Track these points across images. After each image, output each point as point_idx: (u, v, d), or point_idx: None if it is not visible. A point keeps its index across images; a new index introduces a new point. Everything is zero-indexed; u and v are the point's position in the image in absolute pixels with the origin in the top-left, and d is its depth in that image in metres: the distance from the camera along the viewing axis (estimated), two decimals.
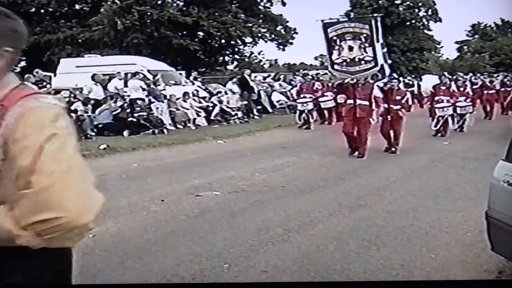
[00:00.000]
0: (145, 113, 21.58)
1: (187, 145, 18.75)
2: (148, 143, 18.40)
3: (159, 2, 42.94)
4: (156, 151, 17.38)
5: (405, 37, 61.53)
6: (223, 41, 46.73)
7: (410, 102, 17.74)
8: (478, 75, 39.79)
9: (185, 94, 25.05)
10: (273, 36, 49.30)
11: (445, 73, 31.64)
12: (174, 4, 44.47)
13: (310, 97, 24.48)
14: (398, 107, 16.71)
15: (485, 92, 31.53)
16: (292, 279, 6.47)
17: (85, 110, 20.78)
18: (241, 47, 49.96)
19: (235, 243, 7.82)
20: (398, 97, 16.81)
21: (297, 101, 25.29)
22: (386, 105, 16.57)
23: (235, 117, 25.94)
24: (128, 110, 21.39)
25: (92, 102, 21.83)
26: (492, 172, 6.09)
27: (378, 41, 16.47)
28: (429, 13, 62.53)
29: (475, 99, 32.26)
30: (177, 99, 24.63)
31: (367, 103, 15.82)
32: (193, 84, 29.77)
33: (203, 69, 47.07)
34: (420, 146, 17.55)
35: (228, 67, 52.07)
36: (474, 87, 32.31)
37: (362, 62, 16.26)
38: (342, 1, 69.60)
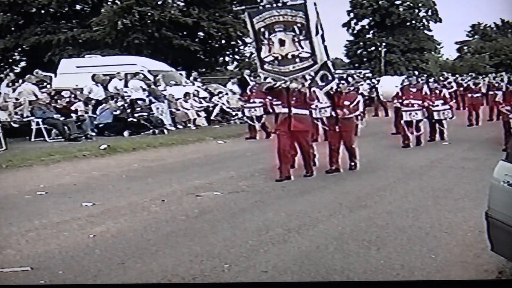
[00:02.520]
0: (145, 114, 21.65)
1: (187, 145, 18.81)
2: (148, 143, 18.45)
3: (160, 2, 42.95)
4: (156, 151, 17.42)
5: (405, 38, 61.69)
6: (223, 41, 46.75)
7: (361, 108, 14.61)
8: (465, 76, 37.70)
9: (186, 94, 25.11)
10: None
11: (415, 72, 28.75)
12: (175, 5, 44.47)
13: (261, 102, 20.92)
14: (348, 114, 13.75)
15: (469, 95, 28.28)
16: (292, 279, 6.48)
17: (85, 110, 20.81)
18: (242, 47, 49.97)
19: (235, 243, 7.83)
20: (347, 102, 13.75)
21: (245, 106, 21.77)
22: (333, 113, 13.63)
23: (235, 117, 25.97)
24: (129, 111, 21.46)
25: (92, 102, 21.86)
26: (492, 173, 6.10)
27: (317, 33, 12.89)
28: (429, 13, 62.67)
29: (458, 103, 31.43)
30: (178, 99, 24.67)
31: (305, 112, 12.90)
32: (194, 84, 29.81)
33: (204, 70, 47.06)
34: (420, 147, 17.53)
35: (228, 67, 52.08)
36: (450, 90, 29.34)
37: (297, 59, 12.72)
38: (342, 2, 69.54)
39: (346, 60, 67.88)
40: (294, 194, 11.12)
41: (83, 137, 19.34)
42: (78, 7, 47.45)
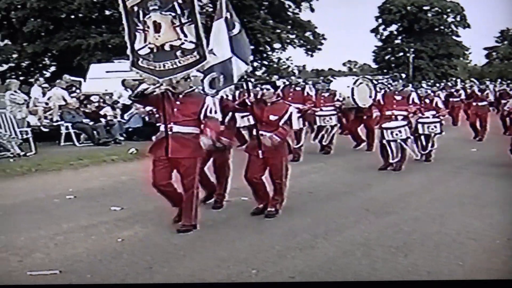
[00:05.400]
0: None
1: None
2: None
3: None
4: None
5: (433, 43, 61.43)
6: (251, 47, 46.87)
7: (295, 124, 10.20)
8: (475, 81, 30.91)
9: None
10: (301, 42, 49.30)
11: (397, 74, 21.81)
12: (203, 10, 44.63)
13: None
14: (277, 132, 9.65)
15: (474, 104, 23.16)
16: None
17: (114, 115, 20.92)
18: (270, 53, 50.05)
19: (262, 248, 7.85)
20: (273, 117, 9.72)
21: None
22: (254, 132, 10.09)
23: None
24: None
25: (119, 106, 21.97)
26: None
27: (221, 16, 9.52)
28: (458, 19, 62.37)
29: (455, 113, 27.87)
30: None
31: (192, 130, 8.77)
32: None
33: None
34: (446, 153, 17.40)
35: (256, 72, 52.17)
36: (456, 99, 27.60)
37: (178, 52, 8.57)
38: (370, 8, 69.48)
39: (374, 66, 67.79)
40: (320, 199, 11.11)
41: (112, 142, 19.43)
42: (107, 12, 47.70)
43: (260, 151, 9.62)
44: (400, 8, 61.17)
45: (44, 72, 47.61)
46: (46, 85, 23.26)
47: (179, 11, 8.48)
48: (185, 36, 8.55)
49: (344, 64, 78.54)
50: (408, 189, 12.09)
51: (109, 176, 13.86)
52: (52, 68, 48.54)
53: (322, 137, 17.67)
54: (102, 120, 19.91)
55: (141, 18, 8.65)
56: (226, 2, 9.53)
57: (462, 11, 61.74)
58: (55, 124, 19.71)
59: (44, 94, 21.43)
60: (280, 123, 9.65)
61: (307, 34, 49.72)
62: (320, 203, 10.76)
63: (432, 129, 16.02)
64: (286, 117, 9.69)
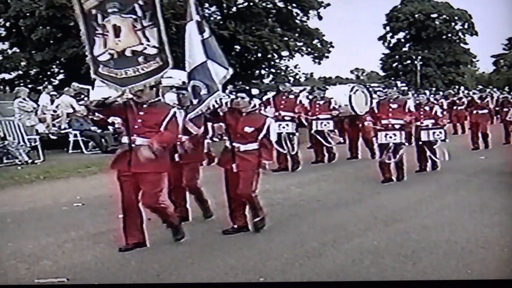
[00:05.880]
0: None
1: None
2: None
3: None
4: None
5: (441, 51, 61.32)
6: (259, 54, 46.82)
7: (274, 138, 9.47)
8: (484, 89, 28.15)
9: None
10: (309, 50, 49.24)
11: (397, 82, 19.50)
12: (211, 18, 44.65)
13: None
14: (251, 146, 9.00)
15: (474, 112, 22.02)
16: None
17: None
18: (277, 60, 50.03)
19: (270, 256, 7.84)
20: (248, 129, 8.98)
21: None
22: (228, 143, 9.19)
23: None
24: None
25: None
26: None
27: (191, 19, 9.01)
28: (466, 26, 62.24)
29: (455, 121, 26.57)
30: None
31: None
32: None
33: (239, 82, 47.20)
34: (456, 161, 17.31)
35: (264, 80, 52.16)
36: (461, 107, 26.02)
37: (140, 58, 7.98)
38: (378, 16, 69.43)
39: (382, 74, 67.77)
40: (329, 207, 11.09)
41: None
42: None
43: (234, 165, 8.96)
44: (407, 16, 61.12)
45: (53, 80, 47.61)
46: (54, 92, 23.25)
47: (140, 14, 7.89)
48: (147, 40, 7.98)
49: (351, 72, 78.52)
50: (417, 197, 12.05)
51: (117, 183, 13.83)
52: (61, 76, 48.50)
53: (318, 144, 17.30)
54: (110, 127, 19.92)
55: (99, 22, 7.98)
56: (195, 3, 8.98)
57: (470, 18, 61.65)
58: (63, 131, 19.76)
59: (52, 101, 21.47)
60: (259, 137, 8.96)
61: (315, 41, 49.62)
62: (328, 211, 10.74)
63: (437, 135, 15.01)
64: (264, 130, 8.96)
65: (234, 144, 8.99)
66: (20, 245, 8.36)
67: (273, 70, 51.22)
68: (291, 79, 52.61)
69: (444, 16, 61.92)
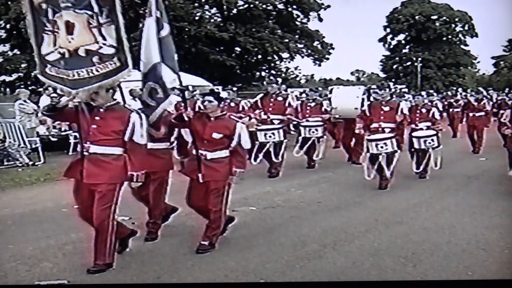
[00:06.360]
0: None
1: None
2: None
3: (197, 18, 43.13)
4: None
5: (441, 52, 61.53)
6: (259, 56, 46.87)
7: (248, 145, 8.53)
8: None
9: None
10: (309, 51, 49.28)
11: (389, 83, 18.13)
12: (212, 20, 44.70)
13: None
14: (220, 154, 8.31)
15: (471, 114, 21.35)
16: None
17: None
18: (278, 62, 50.09)
19: (270, 258, 7.84)
20: (218, 135, 8.24)
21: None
22: (193, 151, 8.53)
23: None
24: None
25: None
26: None
27: (150, 15, 8.54)
28: (466, 28, 62.47)
29: (456, 124, 25.87)
30: None
31: (113, 151, 7.43)
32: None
33: (240, 84, 47.23)
34: (457, 163, 17.30)
35: (264, 82, 52.22)
36: (458, 109, 25.59)
37: (95, 58, 7.18)
38: (379, 18, 69.53)
39: (382, 75, 67.87)
40: (329, 209, 11.08)
41: None
42: None
43: (200, 174, 8.28)
44: (408, 18, 61.31)
45: None
46: (55, 94, 23.21)
47: (96, 9, 7.09)
48: (104, 39, 7.18)
49: (352, 73, 78.77)
50: (418, 199, 12.04)
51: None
52: None
53: (308, 149, 16.35)
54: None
55: (50, 17, 7.15)
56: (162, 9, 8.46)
57: (470, 20, 61.83)
58: (63, 133, 19.74)
59: None
60: (232, 145, 8.25)
61: (315, 43, 49.68)
62: (329, 213, 10.74)
63: (429, 143, 14.24)
64: (236, 137, 8.20)
65: (200, 151, 8.33)
66: (21, 247, 8.36)
67: (273, 72, 51.29)
68: (291, 80, 52.61)
69: (444, 17, 62.13)
